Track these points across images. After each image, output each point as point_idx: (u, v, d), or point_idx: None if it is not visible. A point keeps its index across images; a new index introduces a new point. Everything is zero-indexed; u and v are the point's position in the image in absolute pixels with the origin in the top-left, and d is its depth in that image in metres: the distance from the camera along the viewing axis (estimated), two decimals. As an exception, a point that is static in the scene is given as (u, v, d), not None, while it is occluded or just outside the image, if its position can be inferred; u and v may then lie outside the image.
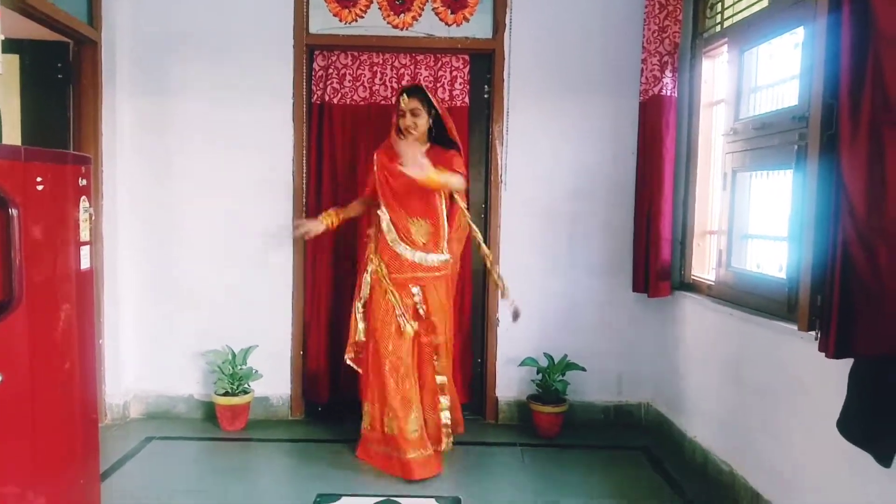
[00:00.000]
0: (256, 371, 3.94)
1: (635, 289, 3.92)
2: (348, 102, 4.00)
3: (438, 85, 4.01)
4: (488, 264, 3.61)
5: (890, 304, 1.94)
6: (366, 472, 3.29)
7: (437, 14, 3.94)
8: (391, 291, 3.33)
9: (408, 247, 3.35)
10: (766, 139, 2.98)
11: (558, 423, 3.87)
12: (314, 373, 4.06)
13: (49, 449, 2.20)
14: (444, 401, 3.51)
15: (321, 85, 4.03)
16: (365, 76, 4.01)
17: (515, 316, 3.47)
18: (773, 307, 2.84)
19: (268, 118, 3.94)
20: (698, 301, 3.53)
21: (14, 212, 1.93)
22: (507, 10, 3.92)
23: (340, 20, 3.93)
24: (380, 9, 3.93)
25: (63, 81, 3.77)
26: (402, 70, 4.03)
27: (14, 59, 3.76)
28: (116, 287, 3.91)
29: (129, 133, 3.93)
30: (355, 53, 4.01)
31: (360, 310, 3.47)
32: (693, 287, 3.73)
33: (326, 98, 4.01)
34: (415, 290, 3.39)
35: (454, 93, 4.03)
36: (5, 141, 3.73)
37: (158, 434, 3.78)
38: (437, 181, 3.18)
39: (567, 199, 4.03)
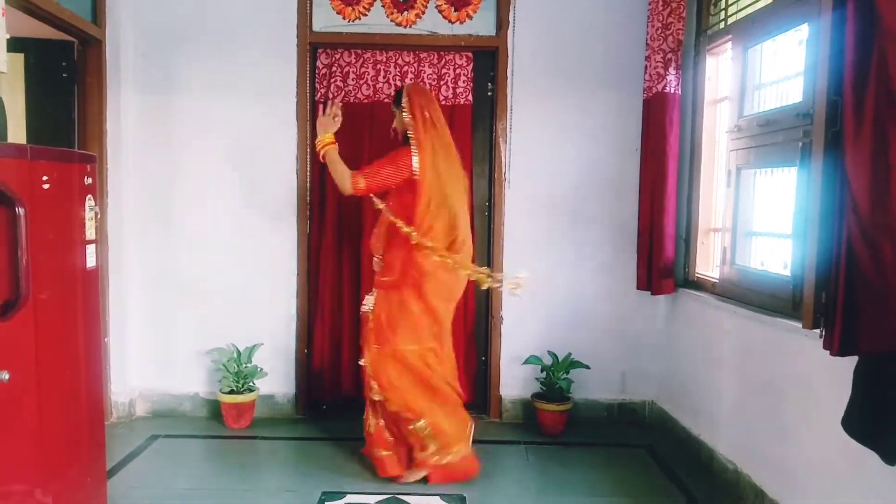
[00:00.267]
0: (261, 369, 3.95)
1: (639, 286, 3.92)
2: (352, 100, 4.00)
3: (442, 83, 4.01)
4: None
5: (894, 300, 1.93)
6: (370, 470, 3.30)
7: (440, 11, 3.93)
8: None
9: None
10: (771, 136, 2.97)
11: (562, 421, 3.87)
12: (319, 371, 4.07)
13: (56, 447, 2.21)
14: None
15: (325, 83, 4.03)
16: (368, 74, 4.01)
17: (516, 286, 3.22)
18: (777, 305, 2.84)
19: (271, 116, 3.95)
20: (702, 299, 3.53)
21: (20, 210, 1.94)
22: (511, 8, 3.92)
23: (344, 18, 3.93)
24: (383, 6, 3.93)
25: (68, 80, 3.79)
26: (406, 68, 4.02)
27: (19, 59, 3.77)
28: (121, 285, 3.92)
29: (133, 132, 3.94)
30: (359, 51, 4.01)
31: None
32: (697, 285, 3.73)
33: (330, 96, 4.01)
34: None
35: (458, 90, 4.03)
36: (10, 140, 3.73)
37: (164, 432, 3.79)
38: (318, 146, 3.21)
39: (571, 197, 4.03)
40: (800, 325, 2.54)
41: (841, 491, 2.36)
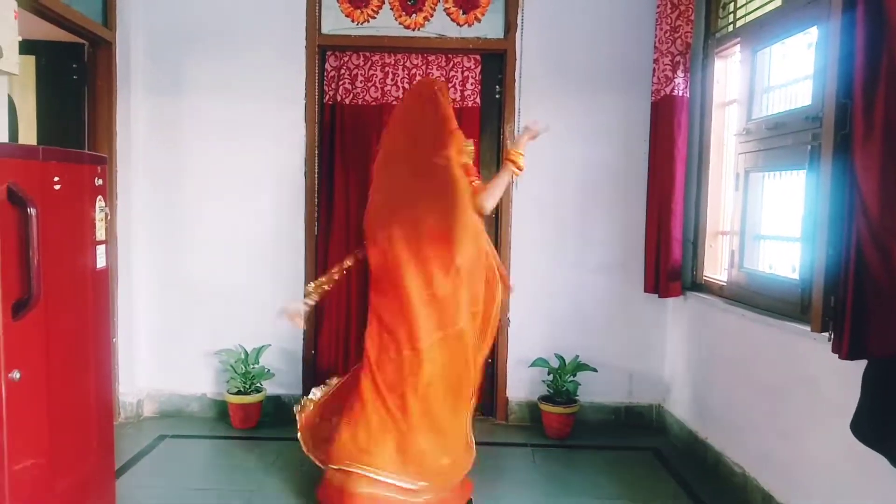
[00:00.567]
0: (268, 370, 3.96)
1: (647, 289, 3.91)
2: (360, 103, 4.02)
3: (450, 85, 4.02)
4: None
5: (904, 304, 1.93)
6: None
7: (448, 14, 3.94)
8: None
9: None
10: (779, 139, 2.97)
11: (569, 423, 3.87)
12: (326, 372, 4.06)
13: (65, 446, 2.22)
14: None
15: (333, 85, 4.05)
16: (377, 76, 4.02)
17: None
18: (785, 308, 2.83)
19: (280, 118, 3.96)
20: (710, 302, 3.52)
21: (32, 211, 1.95)
22: (519, 11, 3.93)
23: (352, 21, 3.94)
24: (392, 9, 3.94)
25: (78, 82, 3.81)
26: (414, 70, 4.03)
27: (30, 61, 3.80)
28: (130, 286, 3.94)
29: (143, 133, 3.97)
30: (367, 54, 4.02)
31: None
32: (705, 288, 3.71)
33: (338, 98, 4.03)
34: None
35: (465, 93, 4.03)
36: (21, 141, 3.76)
37: (171, 432, 3.81)
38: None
39: (578, 200, 4.03)
40: (808, 329, 2.53)
41: (849, 495, 2.35)
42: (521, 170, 3.07)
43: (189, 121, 3.98)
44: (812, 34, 2.78)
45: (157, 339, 4.06)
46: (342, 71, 4.03)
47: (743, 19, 3.42)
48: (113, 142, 3.78)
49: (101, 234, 2.42)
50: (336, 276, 3.09)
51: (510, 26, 3.95)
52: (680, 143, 3.64)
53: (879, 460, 2.02)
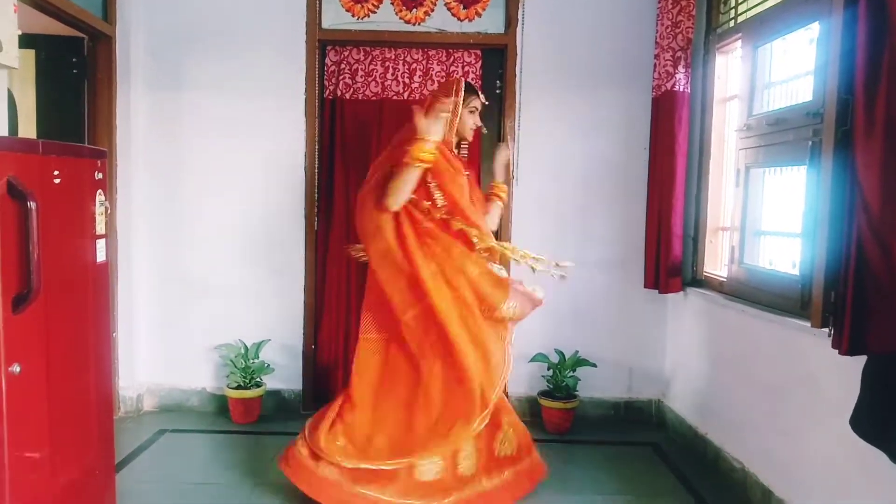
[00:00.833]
0: (268, 365, 3.96)
1: (647, 285, 3.91)
2: (360, 98, 4.01)
3: (450, 80, 4.01)
4: None
5: (904, 300, 1.93)
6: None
7: (449, 9, 3.93)
8: None
9: None
10: (780, 135, 2.96)
11: (568, 418, 3.87)
12: (326, 367, 4.08)
13: (64, 440, 2.22)
14: None
15: (333, 80, 4.04)
16: (377, 71, 4.02)
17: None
18: (785, 304, 2.83)
19: (280, 113, 3.96)
20: (710, 297, 3.52)
21: (32, 205, 1.95)
22: (520, 5, 3.92)
23: (353, 15, 3.93)
24: (392, 4, 3.93)
25: (78, 76, 3.80)
26: (415, 65, 4.03)
27: (30, 55, 3.79)
28: (130, 281, 3.94)
29: (143, 127, 3.96)
30: (367, 48, 4.01)
31: None
32: (705, 283, 3.72)
33: (339, 93, 4.02)
34: None
35: (466, 88, 4.02)
36: (21, 135, 3.76)
37: (171, 427, 3.82)
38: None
39: (579, 195, 4.03)
40: (808, 325, 2.53)
41: (848, 490, 2.36)
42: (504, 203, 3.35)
43: (189, 115, 3.97)
44: (813, 30, 2.78)
45: (157, 334, 4.06)
46: (342, 66, 4.03)
47: (744, 15, 3.41)
48: (113, 136, 3.78)
49: (101, 228, 2.41)
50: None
51: (511, 21, 3.94)
52: (681, 138, 3.64)
53: (878, 456, 2.02)
